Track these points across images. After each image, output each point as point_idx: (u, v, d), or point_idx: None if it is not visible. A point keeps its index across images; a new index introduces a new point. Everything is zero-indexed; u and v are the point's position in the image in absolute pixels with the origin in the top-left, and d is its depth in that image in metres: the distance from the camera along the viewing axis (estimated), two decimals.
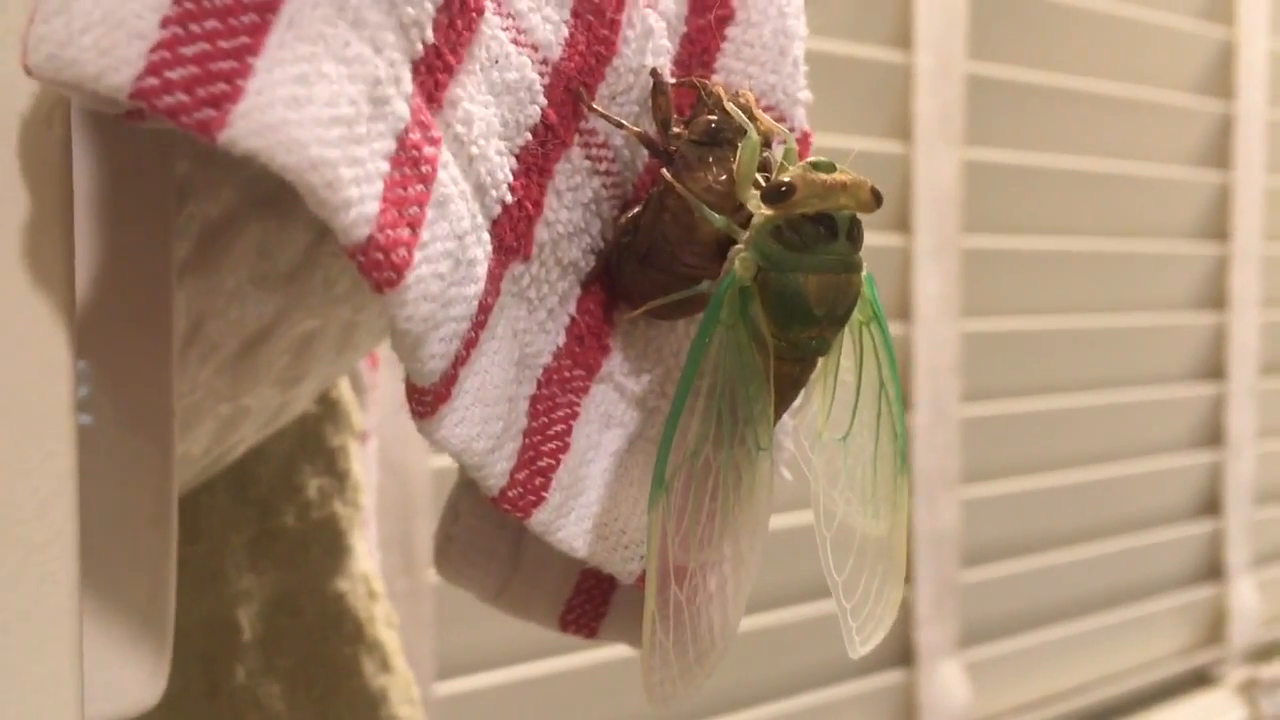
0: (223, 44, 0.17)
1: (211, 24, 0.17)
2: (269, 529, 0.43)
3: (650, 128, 0.25)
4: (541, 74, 0.23)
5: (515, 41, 0.22)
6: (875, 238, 0.79)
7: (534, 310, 0.24)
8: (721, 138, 0.24)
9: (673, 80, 0.25)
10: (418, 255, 0.19)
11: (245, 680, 0.43)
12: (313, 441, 0.44)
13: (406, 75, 0.19)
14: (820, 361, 0.24)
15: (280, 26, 0.17)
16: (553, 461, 0.24)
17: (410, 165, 0.19)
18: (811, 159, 0.23)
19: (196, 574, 0.42)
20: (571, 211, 0.24)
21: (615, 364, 0.26)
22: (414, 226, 0.19)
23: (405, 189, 0.19)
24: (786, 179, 0.22)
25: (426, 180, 0.19)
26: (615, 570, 0.25)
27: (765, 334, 0.23)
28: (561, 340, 0.24)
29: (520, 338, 0.23)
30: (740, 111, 0.23)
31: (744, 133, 0.23)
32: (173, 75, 0.16)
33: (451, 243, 0.20)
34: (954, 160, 0.82)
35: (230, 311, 0.30)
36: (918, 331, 0.80)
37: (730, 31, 0.27)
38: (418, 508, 0.61)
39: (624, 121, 0.24)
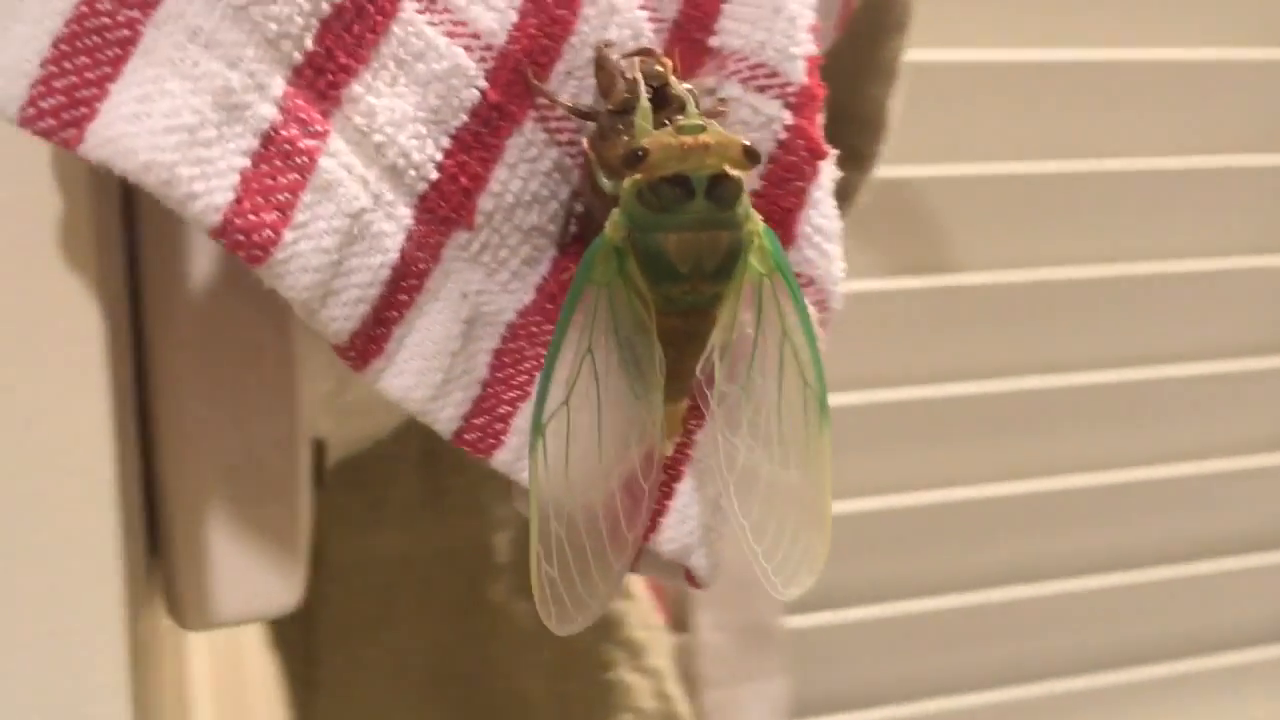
0: (88, 75, 0.21)
1: (81, 60, 0.21)
2: None
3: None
4: (483, 59, 0.25)
5: (449, 34, 0.25)
6: None
7: (493, 273, 0.26)
8: (631, 105, 0.25)
9: (620, 54, 0.26)
10: (289, 235, 0.23)
11: (502, 597, 0.48)
12: None
13: (277, 81, 0.22)
14: (720, 314, 0.25)
15: (137, 55, 0.22)
16: (511, 409, 0.26)
17: (281, 159, 0.23)
18: (681, 121, 0.24)
19: (459, 501, 0.48)
20: (528, 181, 0.26)
21: None
22: (284, 210, 0.23)
23: (274, 179, 0.22)
24: (642, 144, 0.23)
25: (303, 170, 0.23)
26: None
27: (643, 290, 0.24)
28: (529, 298, 0.27)
29: (471, 299, 0.26)
30: (644, 78, 0.24)
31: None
32: (45, 105, 0.21)
33: (339, 220, 0.23)
34: None
35: None
36: None
37: None
38: None
39: (557, 98, 0.26)
